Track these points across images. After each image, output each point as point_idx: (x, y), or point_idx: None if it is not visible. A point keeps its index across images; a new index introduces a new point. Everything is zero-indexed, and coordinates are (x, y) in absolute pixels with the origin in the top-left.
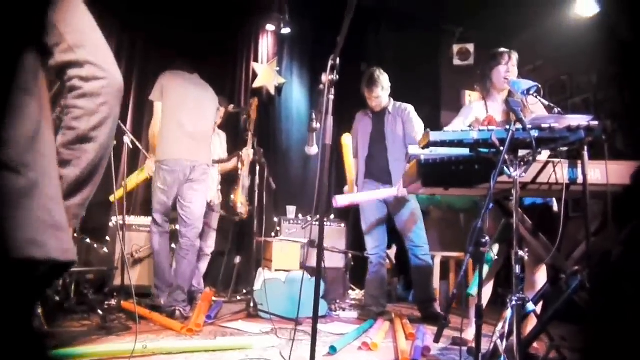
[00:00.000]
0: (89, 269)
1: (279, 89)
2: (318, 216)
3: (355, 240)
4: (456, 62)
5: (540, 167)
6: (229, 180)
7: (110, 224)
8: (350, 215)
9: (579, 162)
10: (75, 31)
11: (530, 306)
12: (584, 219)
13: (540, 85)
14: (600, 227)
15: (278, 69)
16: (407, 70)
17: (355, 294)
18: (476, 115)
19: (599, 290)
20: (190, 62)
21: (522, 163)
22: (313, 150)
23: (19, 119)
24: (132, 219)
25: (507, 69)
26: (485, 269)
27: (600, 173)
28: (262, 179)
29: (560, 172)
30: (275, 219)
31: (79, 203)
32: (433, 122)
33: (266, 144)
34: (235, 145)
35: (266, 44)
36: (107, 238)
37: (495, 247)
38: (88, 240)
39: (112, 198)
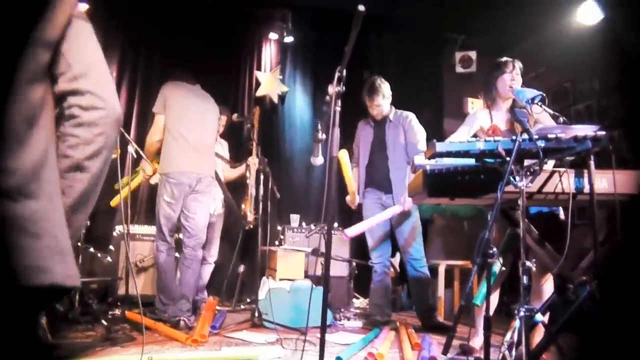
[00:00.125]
0: (92, 279)
1: (282, 97)
2: (324, 226)
3: (359, 248)
4: (458, 69)
5: (546, 177)
6: (238, 190)
7: (114, 233)
8: (353, 223)
9: (585, 171)
10: (81, 61)
11: (538, 317)
12: (592, 227)
13: (544, 94)
14: (608, 236)
15: (281, 77)
16: (409, 77)
17: (359, 302)
18: (480, 124)
19: (607, 301)
20: (191, 72)
21: (529, 173)
22: (318, 160)
23: (24, 149)
24: (136, 228)
25: (512, 77)
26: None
27: (607, 182)
28: (267, 188)
29: (566, 182)
30: (279, 228)
31: (71, 235)
32: (435, 129)
33: (269, 152)
34: (238, 154)
35: (269, 52)
36: (111, 247)
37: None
38: (92, 250)
39: (113, 202)
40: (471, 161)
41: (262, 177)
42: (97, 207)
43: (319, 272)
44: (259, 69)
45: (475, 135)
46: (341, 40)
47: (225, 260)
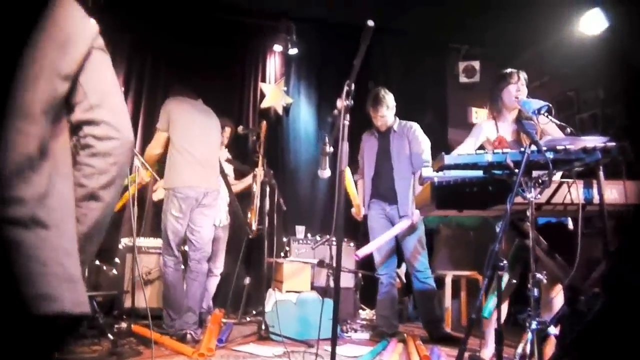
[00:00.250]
0: (98, 293)
1: (286, 109)
2: (330, 238)
3: (365, 259)
4: (462, 79)
5: (555, 188)
6: (245, 199)
7: (120, 246)
8: (359, 234)
9: (594, 181)
10: (97, 91)
11: (552, 330)
12: (603, 238)
13: (551, 105)
14: (618, 247)
15: (285, 88)
16: (413, 88)
17: (366, 313)
18: (487, 135)
19: (618, 310)
20: (192, 87)
21: (537, 184)
22: (326, 173)
23: (35, 178)
24: (141, 241)
25: (517, 88)
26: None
27: (617, 192)
28: (273, 200)
29: (575, 193)
30: (285, 239)
31: (83, 260)
32: (440, 139)
33: (274, 163)
34: (243, 166)
35: (273, 64)
36: (117, 260)
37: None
38: (97, 262)
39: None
40: (479, 173)
41: (268, 189)
42: None
43: (325, 283)
44: (263, 80)
45: (481, 146)
46: (345, 52)
47: (231, 272)
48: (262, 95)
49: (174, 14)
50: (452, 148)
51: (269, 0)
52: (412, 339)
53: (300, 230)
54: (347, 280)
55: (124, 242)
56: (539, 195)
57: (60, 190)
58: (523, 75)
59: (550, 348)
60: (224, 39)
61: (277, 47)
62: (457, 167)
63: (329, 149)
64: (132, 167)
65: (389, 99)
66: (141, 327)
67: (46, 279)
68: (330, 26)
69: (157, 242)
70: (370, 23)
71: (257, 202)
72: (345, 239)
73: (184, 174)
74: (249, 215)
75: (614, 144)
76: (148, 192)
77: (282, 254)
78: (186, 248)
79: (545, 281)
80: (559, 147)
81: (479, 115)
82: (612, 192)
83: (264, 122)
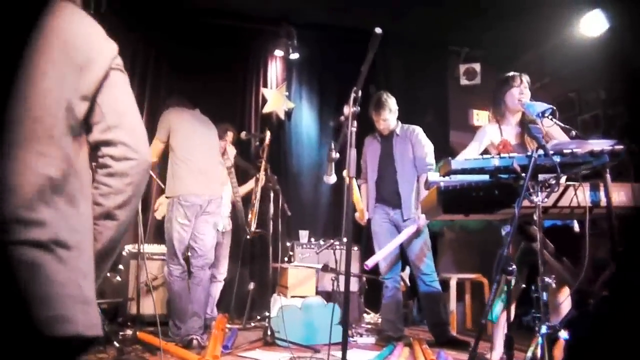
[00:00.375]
0: (103, 300)
1: (288, 114)
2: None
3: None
4: (463, 82)
5: (561, 191)
6: (246, 201)
7: (123, 252)
8: (363, 238)
9: (601, 184)
10: (115, 112)
11: (562, 334)
12: (611, 240)
13: (555, 108)
14: (623, 249)
15: (287, 93)
16: (414, 91)
17: (370, 317)
18: (491, 139)
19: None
20: (190, 97)
21: (543, 188)
22: (332, 179)
23: (53, 201)
24: (145, 247)
25: (520, 90)
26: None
27: (624, 195)
28: (277, 205)
29: (581, 195)
30: (288, 244)
31: (97, 277)
32: (442, 142)
33: (277, 168)
34: (247, 170)
35: (275, 69)
36: (120, 267)
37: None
38: None
39: None
40: (484, 177)
41: (272, 194)
42: None
43: (329, 288)
44: (265, 85)
45: (485, 151)
46: (346, 56)
47: (233, 276)
48: (264, 101)
49: (176, 18)
50: (454, 150)
51: (270, 5)
52: (418, 342)
53: (303, 234)
54: (352, 284)
55: (128, 248)
56: (546, 199)
57: (83, 211)
58: (526, 78)
59: (559, 351)
60: (225, 44)
61: (279, 52)
62: (464, 171)
63: (335, 155)
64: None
65: (391, 103)
66: (147, 334)
67: (62, 301)
68: (330, 30)
69: (161, 248)
70: (378, 30)
71: (257, 204)
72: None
73: (187, 182)
74: (249, 215)
75: (622, 146)
76: (151, 197)
77: (286, 259)
78: (188, 254)
79: (554, 285)
80: (565, 151)
81: (480, 117)
82: (620, 195)
83: (268, 132)
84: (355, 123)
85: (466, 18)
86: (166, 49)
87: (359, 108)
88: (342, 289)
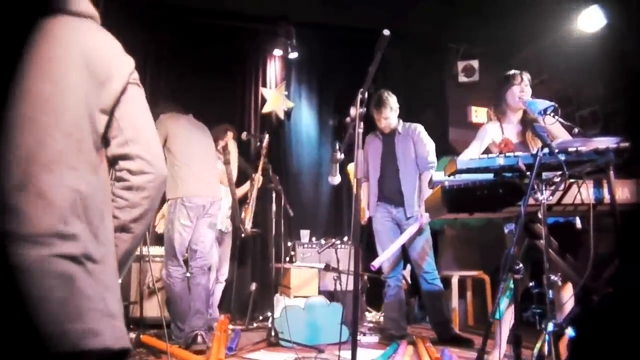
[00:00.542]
0: None
1: (287, 113)
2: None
3: (370, 261)
4: (461, 79)
5: (565, 188)
6: (241, 200)
7: None
8: (364, 236)
9: (604, 181)
10: (132, 127)
11: (569, 332)
12: (615, 237)
13: (556, 105)
14: (628, 246)
15: (286, 93)
16: (413, 88)
17: (372, 315)
18: (492, 138)
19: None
20: (181, 104)
21: (548, 186)
22: (336, 180)
23: (84, 215)
24: (146, 249)
25: (521, 88)
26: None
27: (628, 192)
28: (279, 205)
29: (585, 192)
30: (289, 244)
31: None
32: (441, 139)
33: (277, 167)
34: (246, 171)
35: (274, 68)
36: None
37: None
38: None
39: None
40: (488, 176)
41: (274, 194)
42: None
43: (331, 287)
44: (264, 85)
45: (487, 149)
46: (345, 54)
47: (233, 277)
48: (263, 100)
49: (175, 18)
50: (454, 147)
51: (269, 5)
52: (422, 340)
53: (304, 234)
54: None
55: None
56: (550, 197)
57: (107, 225)
58: (526, 76)
59: (562, 347)
60: (224, 43)
61: (277, 52)
62: (469, 171)
63: (340, 156)
64: None
65: (392, 101)
66: (150, 337)
67: (92, 314)
68: (329, 29)
69: (161, 250)
70: (386, 32)
71: (252, 204)
72: (350, 242)
73: (189, 184)
74: (243, 213)
75: (627, 144)
76: None
77: (287, 259)
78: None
79: (560, 283)
80: (570, 149)
81: (478, 114)
82: (624, 192)
83: (267, 135)
84: (362, 124)
85: (464, 15)
86: (165, 49)
87: (365, 109)
88: (343, 287)
